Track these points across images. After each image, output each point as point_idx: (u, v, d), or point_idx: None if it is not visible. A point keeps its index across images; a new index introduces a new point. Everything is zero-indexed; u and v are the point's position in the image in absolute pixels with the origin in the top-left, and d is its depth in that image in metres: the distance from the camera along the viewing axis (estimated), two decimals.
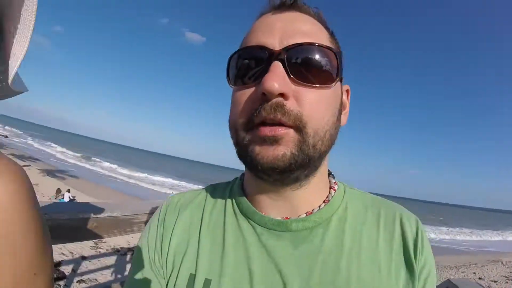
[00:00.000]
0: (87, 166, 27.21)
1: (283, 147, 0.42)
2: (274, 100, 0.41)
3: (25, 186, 0.48)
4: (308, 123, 0.43)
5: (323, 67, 0.44)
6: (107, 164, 31.69)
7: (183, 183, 28.52)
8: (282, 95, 0.42)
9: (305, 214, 0.50)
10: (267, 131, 0.42)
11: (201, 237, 0.52)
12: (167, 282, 0.51)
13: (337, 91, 0.49)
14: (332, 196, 0.52)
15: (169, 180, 29.21)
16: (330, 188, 0.54)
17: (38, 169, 17.21)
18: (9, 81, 0.49)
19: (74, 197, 10.27)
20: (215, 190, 0.59)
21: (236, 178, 0.60)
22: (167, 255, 0.52)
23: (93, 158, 34.73)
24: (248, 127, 0.44)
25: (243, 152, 0.46)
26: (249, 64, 0.46)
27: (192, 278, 0.48)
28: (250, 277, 0.46)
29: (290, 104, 0.42)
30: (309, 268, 0.46)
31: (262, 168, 0.43)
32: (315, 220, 0.49)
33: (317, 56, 0.44)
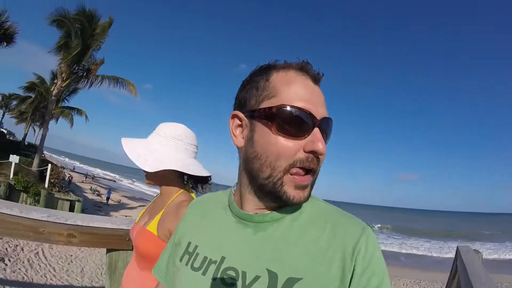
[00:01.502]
0: None
1: (306, 190, 0.61)
2: (314, 158, 0.60)
3: None
4: (318, 171, 0.63)
5: (329, 133, 0.64)
6: None
7: None
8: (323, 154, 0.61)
9: (265, 212, 0.65)
10: (298, 180, 0.59)
11: (202, 222, 0.75)
12: (177, 252, 0.76)
13: None
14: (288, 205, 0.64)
15: None
16: None
17: None
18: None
19: None
20: (221, 193, 0.80)
21: (232, 187, 0.77)
22: (183, 233, 0.78)
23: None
24: (286, 171, 0.59)
25: (275, 188, 0.60)
26: (297, 122, 0.58)
27: (187, 243, 0.74)
28: (217, 247, 0.67)
29: (322, 159, 0.62)
30: (259, 248, 0.62)
31: (291, 203, 0.61)
32: (272, 217, 0.63)
33: (330, 127, 0.63)
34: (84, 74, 16.38)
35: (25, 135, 34.59)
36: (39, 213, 1.57)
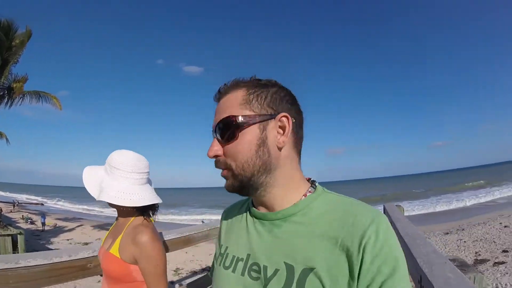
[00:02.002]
0: None
1: (228, 181, 0.71)
2: (214, 160, 0.71)
3: (154, 230, 1.33)
4: (231, 164, 0.68)
5: (227, 130, 0.68)
6: None
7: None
8: (216, 155, 0.70)
9: (276, 211, 0.71)
10: (221, 174, 0.72)
11: (231, 225, 0.85)
12: (216, 255, 0.86)
13: (248, 135, 0.67)
14: (300, 200, 0.70)
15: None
16: (304, 194, 0.71)
17: (91, 226, 18.92)
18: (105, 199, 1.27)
19: None
20: (246, 199, 0.86)
21: None
22: (220, 238, 0.88)
23: None
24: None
25: None
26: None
27: (220, 246, 0.85)
28: (243, 246, 0.75)
29: (222, 159, 0.70)
30: (275, 244, 0.68)
31: (227, 191, 0.72)
32: (283, 214, 0.69)
33: (221, 126, 0.69)
34: (6, 93, 14.51)
35: None
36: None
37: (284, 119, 0.69)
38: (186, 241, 2.44)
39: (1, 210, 17.62)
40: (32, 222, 20.08)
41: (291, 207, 0.69)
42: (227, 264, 0.76)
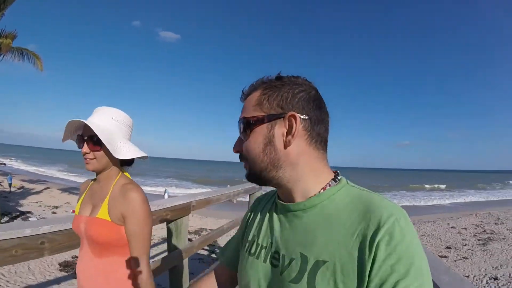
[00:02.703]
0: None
1: (246, 170, 0.76)
2: (237, 154, 0.78)
3: (144, 193, 1.27)
4: (247, 159, 0.75)
5: (243, 130, 0.75)
6: None
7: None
8: (239, 151, 0.77)
9: (298, 202, 0.73)
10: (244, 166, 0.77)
11: (259, 215, 0.88)
12: (244, 243, 0.89)
13: (257, 134, 0.72)
14: (321, 192, 0.70)
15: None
16: (327, 185, 0.72)
17: (58, 189, 18.69)
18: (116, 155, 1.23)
19: None
20: (272, 193, 0.90)
21: None
22: (246, 224, 0.93)
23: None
24: None
25: None
26: None
27: (247, 234, 0.88)
28: (267, 234, 0.79)
29: (242, 155, 0.76)
30: (294, 234, 0.71)
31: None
32: (305, 205, 0.71)
33: (239, 126, 0.76)
34: None
35: None
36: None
37: (291, 118, 0.69)
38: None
39: None
40: None
41: (312, 198, 0.70)
42: (252, 251, 0.80)
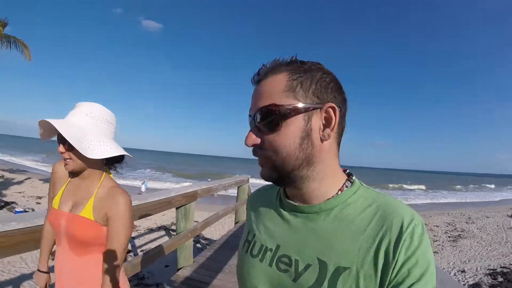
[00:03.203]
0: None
1: (265, 169, 0.67)
2: (251, 148, 0.67)
3: (130, 198, 1.26)
4: (271, 156, 0.64)
5: (268, 120, 0.63)
6: None
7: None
8: (254, 145, 0.66)
9: (313, 204, 0.68)
10: (258, 161, 0.68)
11: (259, 212, 0.82)
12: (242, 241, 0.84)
13: (292, 126, 0.63)
14: (338, 194, 0.66)
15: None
16: (341, 188, 0.68)
17: (39, 180, 18.42)
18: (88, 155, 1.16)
19: None
20: (270, 190, 0.85)
21: None
22: (250, 222, 0.85)
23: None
24: None
25: None
26: (250, 125, 0.70)
27: (247, 233, 0.82)
28: (272, 236, 0.73)
29: (260, 150, 0.66)
30: (309, 238, 0.65)
31: (263, 178, 0.69)
32: (320, 208, 0.66)
33: (263, 115, 0.64)
34: None
35: None
36: None
37: (330, 110, 0.64)
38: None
39: None
40: None
41: (329, 201, 0.66)
42: (254, 252, 0.74)
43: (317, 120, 0.64)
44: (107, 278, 1.19)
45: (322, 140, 0.65)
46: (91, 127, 1.21)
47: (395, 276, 0.56)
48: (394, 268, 0.56)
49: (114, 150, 1.24)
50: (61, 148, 1.20)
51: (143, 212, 2.65)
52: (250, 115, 0.69)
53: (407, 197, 27.74)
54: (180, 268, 3.81)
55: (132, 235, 9.06)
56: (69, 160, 1.22)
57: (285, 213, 0.73)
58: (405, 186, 44.85)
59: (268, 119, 0.64)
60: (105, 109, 1.28)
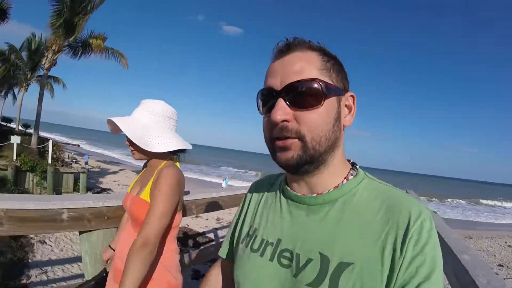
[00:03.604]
0: None
1: (291, 152, 0.59)
2: (280, 124, 0.59)
3: (179, 172, 1.34)
4: (306, 134, 0.58)
5: (310, 95, 0.58)
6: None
7: None
8: (285, 120, 0.59)
9: (316, 194, 0.64)
10: (280, 143, 0.60)
11: (260, 204, 0.78)
12: (239, 234, 0.80)
13: (329, 106, 0.60)
14: (342, 184, 0.63)
15: None
16: (346, 177, 0.65)
17: (132, 171, 20.81)
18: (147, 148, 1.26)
19: None
20: (277, 176, 0.81)
21: None
22: (250, 214, 0.80)
23: None
24: (272, 141, 0.62)
25: (272, 156, 0.64)
26: (265, 100, 0.63)
27: (248, 227, 0.77)
28: (273, 229, 0.69)
29: (291, 125, 0.59)
30: (311, 231, 0.62)
31: (281, 166, 0.63)
32: (324, 199, 0.63)
33: (304, 89, 0.58)
34: (80, 46, 15.97)
35: None
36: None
37: (351, 98, 0.65)
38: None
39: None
40: (77, 162, 22.16)
41: (334, 191, 0.63)
42: (255, 247, 0.70)
43: (343, 105, 0.64)
44: (134, 244, 1.21)
45: (344, 126, 0.65)
46: (152, 124, 1.34)
47: (403, 274, 0.52)
48: (401, 265, 0.53)
49: (172, 145, 1.35)
50: (127, 142, 1.36)
51: (228, 205, 2.62)
52: (272, 88, 0.62)
53: (489, 214, 24.51)
54: None
55: (215, 226, 10.12)
56: (133, 151, 1.38)
57: (287, 204, 0.70)
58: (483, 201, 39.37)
59: (309, 93, 0.58)
60: (167, 105, 1.39)
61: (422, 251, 0.53)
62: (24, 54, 22.78)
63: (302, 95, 0.59)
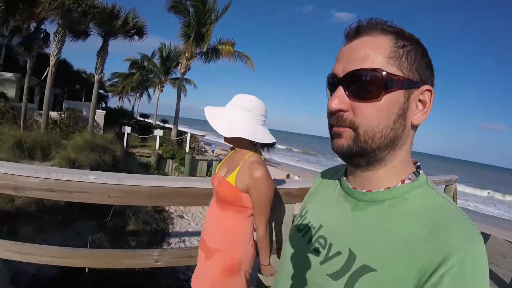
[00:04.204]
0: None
1: (343, 140, 0.58)
2: (335, 114, 0.58)
3: (267, 170, 1.45)
4: (360, 126, 0.56)
5: (368, 86, 0.54)
6: None
7: None
8: (341, 109, 0.57)
9: (366, 191, 0.62)
10: (335, 129, 0.59)
11: (318, 189, 0.81)
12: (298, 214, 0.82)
13: (392, 100, 0.54)
14: (395, 187, 0.59)
15: None
16: (402, 180, 0.60)
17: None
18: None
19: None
20: (343, 166, 0.75)
21: None
22: (309, 197, 0.84)
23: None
24: (330, 127, 0.61)
25: (331, 142, 0.62)
26: (330, 87, 0.62)
27: (303, 208, 0.81)
28: (320, 215, 0.72)
29: (346, 115, 0.57)
30: (351, 226, 0.61)
31: (335, 152, 0.61)
32: (372, 197, 0.60)
33: (363, 79, 0.54)
34: (209, 52, 18.33)
35: (132, 106, 39.94)
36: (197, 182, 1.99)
37: (427, 93, 0.57)
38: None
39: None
40: (205, 151, 24.31)
41: (384, 191, 0.60)
42: (301, 227, 0.73)
43: (414, 100, 0.57)
44: (249, 237, 1.53)
45: (412, 124, 0.58)
46: (240, 115, 1.45)
47: None
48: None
49: (254, 135, 1.45)
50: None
51: None
52: (335, 75, 0.60)
53: None
54: None
55: None
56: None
57: (339, 194, 0.69)
58: None
59: (367, 84, 0.55)
60: (257, 100, 1.49)
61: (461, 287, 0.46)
62: (156, 60, 27.63)
63: (361, 85, 0.55)
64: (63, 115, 16.72)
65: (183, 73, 19.03)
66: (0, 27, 13.00)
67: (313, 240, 0.67)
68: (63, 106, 18.38)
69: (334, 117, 0.59)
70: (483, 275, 0.47)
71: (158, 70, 27.80)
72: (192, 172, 16.68)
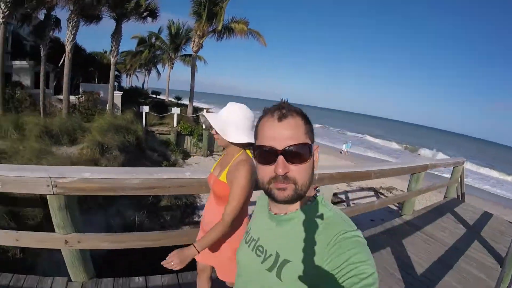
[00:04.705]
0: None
1: (288, 191, 0.80)
2: (282, 175, 0.79)
3: (253, 166, 1.58)
4: (298, 181, 0.80)
5: (301, 154, 0.79)
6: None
7: None
8: (286, 172, 0.79)
9: (284, 213, 0.89)
10: (280, 185, 0.80)
11: (258, 211, 1.04)
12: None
13: (311, 160, 0.82)
14: (301, 208, 0.87)
15: None
16: (307, 201, 0.88)
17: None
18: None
19: None
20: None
21: None
22: (253, 216, 1.07)
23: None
24: (270, 183, 0.82)
25: (267, 193, 0.84)
26: (266, 156, 0.81)
27: (249, 227, 1.05)
28: (258, 230, 0.97)
29: (290, 175, 0.79)
30: (276, 236, 0.89)
31: (276, 201, 0.83)
32: (287, 217, 0.88)
33: (297, 150, 0.79)
34: (223, 30, 18.16)
35: (142, 83, 39.94)
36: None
37: (317, 150, 0.87)
38: None
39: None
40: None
41: (295, 212, 0.87)
42: (247, 240, 0.99)
43: (314, 155, 0.86)
44: (215, 226, 1.59)
45: (313, 172, 0.85)
46: (231, 121, 1.61)
47: (333, 268, 0.72)
48: (329, 263, 0.73)
49: (244, 139, 1.61)
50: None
51: (387, 174, 4.10)
52: (272, 148, 0.79)
53: None
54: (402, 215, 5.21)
55: (347, 189, 11.49)
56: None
57: (268, 216, 0.95)
58: None
59: (301, 154, 0.79)
60: (246, 109, 1.65)
61: (342, 258, 0.71)
62: (164, 37, 27.30)
63: (296, 155, 0.79)
64: (81, 99, 17.07)
65: (196, 51, 19.04)
66: (9, 16, 12.99)
67: (255, 248, 0.94)
68: (80, 90, 18.68)
69: (281, 178, 0.80)
70: (358, 248, 0.74)
71: (167, 47, 27.65)
72: (210, 148, 17.29)
